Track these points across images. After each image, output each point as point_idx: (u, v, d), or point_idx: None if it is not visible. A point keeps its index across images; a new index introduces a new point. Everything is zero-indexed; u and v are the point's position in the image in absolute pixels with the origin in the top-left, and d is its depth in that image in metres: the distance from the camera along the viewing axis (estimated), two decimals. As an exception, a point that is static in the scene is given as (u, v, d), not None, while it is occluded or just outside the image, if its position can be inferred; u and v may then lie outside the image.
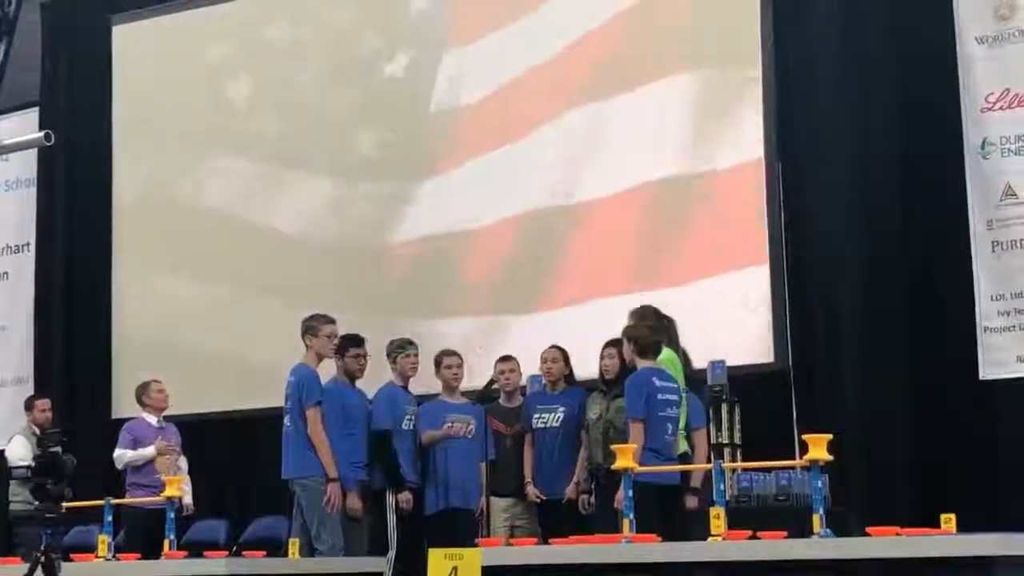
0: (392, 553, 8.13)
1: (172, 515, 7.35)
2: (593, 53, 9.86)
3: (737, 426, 8.30)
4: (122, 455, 9.32)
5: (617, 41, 9.78)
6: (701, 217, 9.30)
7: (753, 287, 9.03)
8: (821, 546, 5.52)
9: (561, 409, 8.38)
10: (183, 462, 9.56)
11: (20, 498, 9.64)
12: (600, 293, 9.39)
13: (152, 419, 9.53)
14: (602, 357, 8.11)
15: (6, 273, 12.44)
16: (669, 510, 7.01)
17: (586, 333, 8.74)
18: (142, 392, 9.64)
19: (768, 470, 6.60)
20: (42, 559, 6.06)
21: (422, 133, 10.58)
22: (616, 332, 7.83)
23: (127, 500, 8.65)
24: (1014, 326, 8.31)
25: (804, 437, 5.79)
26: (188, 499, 9.10)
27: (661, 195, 9.47)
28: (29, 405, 10.54)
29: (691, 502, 7.41)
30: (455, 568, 6.01)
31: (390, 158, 10.65)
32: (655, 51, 9.63)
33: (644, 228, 9.50)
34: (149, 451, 9.29)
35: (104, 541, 7.34)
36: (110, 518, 7.44)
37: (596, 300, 9.38)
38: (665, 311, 7.93)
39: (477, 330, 9.86)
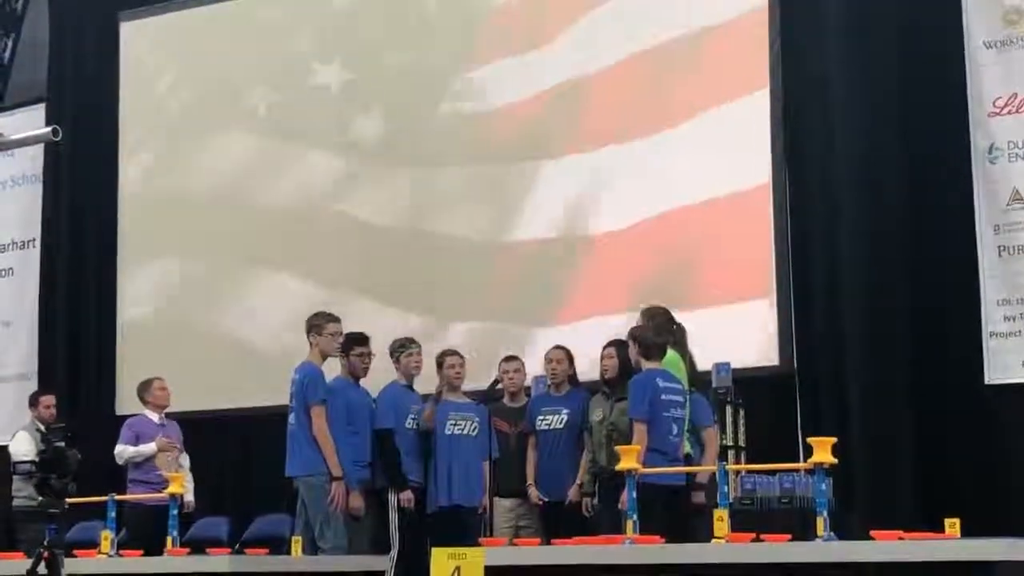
0: (394, 552, 8.13)
1: (175, 512, 7.35)
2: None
3: (741, 428, 8.29)
4: (123, 451, 9.34)
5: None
6: (709, 219, 9.30)
7: (759, 290, 9.02)
8: (825, 549, 5.50)
9: (565, 411, 8.36)
10: (184, 459, 9.58)
11: (23, 494, 9.66)
12: (609, 302, 9.40)
13: (154, 416, 9.56)
14: (602, 358, 8.09)
15: (11, 269, 12.44)
16: (674, 511, 6.99)
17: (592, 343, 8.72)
18: (144, 389, 9.67)
19: (772, 473, 6.59)
20: (45, 554, 6.06)
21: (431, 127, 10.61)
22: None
23: (129, 496, 8.65)
24: (1020, 331, 8.31)
25: (809, 440, 5.78)
26: (189, 497, 9.10)
27: (672, 205, 9.47)
28: (34, 401, 10.55)
29: (698, 497, 7.41)
30: (458, 568, 6.00)
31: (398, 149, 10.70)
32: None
33: (656, 235, 9.51)
34: (150, 447, 9.31)
35: (107, 537, 7.33)
36: (113, 514, 7.44)
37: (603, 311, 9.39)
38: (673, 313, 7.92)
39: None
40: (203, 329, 11.20)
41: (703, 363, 8.06)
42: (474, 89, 10.40)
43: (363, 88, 10.90)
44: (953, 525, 5.83)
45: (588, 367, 8.47)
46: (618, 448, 6.44)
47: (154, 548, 7.61)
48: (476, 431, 8.36)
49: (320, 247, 10.81)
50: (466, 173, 10.34)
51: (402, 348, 8.57)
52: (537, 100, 10.10)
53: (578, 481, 8.15)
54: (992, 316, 8.37)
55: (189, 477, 9.27)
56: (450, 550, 6.16)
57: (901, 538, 5.62)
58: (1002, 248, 8.41)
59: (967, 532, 5.74)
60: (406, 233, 10.47)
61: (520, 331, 9.77)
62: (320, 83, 11.08)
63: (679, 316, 8.01)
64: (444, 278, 10.24)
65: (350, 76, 10.97)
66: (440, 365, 8.54)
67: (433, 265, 10.29)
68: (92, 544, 7.71)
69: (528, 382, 8.79)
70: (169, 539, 7.28)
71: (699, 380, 7.92)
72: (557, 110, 10.02)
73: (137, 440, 9.37)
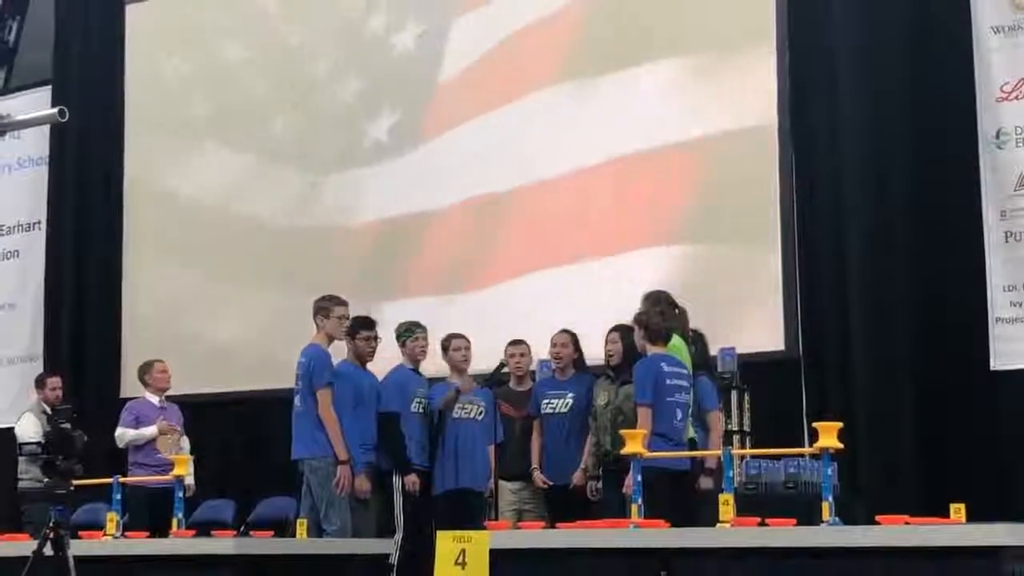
0: (399, 535, 8.14)
1: (180, 494, 7.37)
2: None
3: (747, 413, 8.29)
4: (123, 434, 9.36)
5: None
6: (713, 206, 9.28)
7: (764, 275, 9.01)
8: (830, 534, 5.50)
9: (570, 395, 8.36)
10: (184, 442, 9.59)
11: (29, 475, 9.68)
12: (614, 279, 9.37)
13: (154, 399, 9.57)
14: (606, 343, 8.09)
15: (17, 251, 12.47)
16: (679, 496, 7.00)
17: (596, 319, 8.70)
18: (144, 372, 9.68)
19: (777, 457, 6.59)
20: (51, 535, 6.07)
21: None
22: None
23: (133, 479, 8.65)
24: (1026, 317, 8.31)
25: (815, 424, 5.76)
26: (189, 479, 9.12)
27: (674, 183, 9.46)
28: (40, 383, 10.56)
29: (706, 483, 7.41)
30: (463, 551, 6.01)
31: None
32: (667, 26, 9.66)
33: (657, 217, 9.50)
34: (150, 430, 9.33)
35: (113, 519, 7.34)
36: (119, 496, 7.45)
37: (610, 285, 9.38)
38: (678, 299, 7.90)
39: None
40: (207, 313, 11.21)
41: (712, 348, 8.07)
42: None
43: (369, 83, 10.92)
44: (958, 510, 5.81)
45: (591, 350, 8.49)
46: (623, 432, 6.44)
47: (154, 530, 7.63)
48: (482, 415, 8.37)
49: (324, 231, 10.81)
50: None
51: (408, 332, 8.57)
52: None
53: (583, 465, 8.15)
54: (998, 302, 8.36)
55: (189, 460, 9.28)
56: (455, 533, 6.16)
57: (907, 523, 5.62)
58: (1008, 234, 8.39)
59: (973, 517, 5.73)
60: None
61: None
62: (325, 69, 11.10)
63: (685, 301, 8.00)
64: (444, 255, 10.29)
65: (355, 63, 11.00)
66: (445, 349, 8.54)
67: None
68: (97, 526, 7.72)
69: (533, 366, 8.80)
70: (175, 521, 7.29)
71: (710, 363, 7.95)
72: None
73: (137, 423, 9.38)
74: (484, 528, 6.54)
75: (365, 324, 8.48)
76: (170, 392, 9.72)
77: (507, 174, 10.05)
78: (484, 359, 8.56)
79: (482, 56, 10.29)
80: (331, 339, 8.37)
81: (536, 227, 9.91)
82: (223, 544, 7.11)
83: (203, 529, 7.77)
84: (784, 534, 5.64)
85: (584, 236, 9.70)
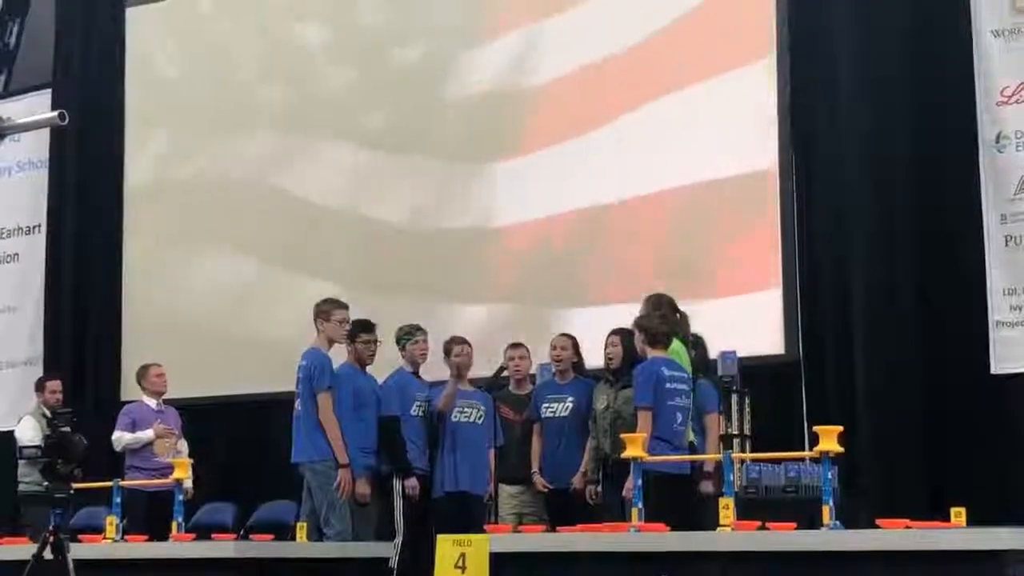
0: (399, 539, 8.13)
1: (180, 498, 7.37)
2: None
3: (747, 417, 8.29)
4: (120, 437, 9.34)
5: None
6: (716, 212, 9.28)
7: (765, 279, 9.01)
8: (831, 538, 5.51)
9: (570, 399, 8.35)
10: (182, 445, 9.57)
11: (29, 479, 9.66)
12: (617, 292, 9.35)
13: (151, 402, 9.55)
14: (606, 346, 8.08)
15: (17, 254, 12.45)
16: (679, 499, 6.99)
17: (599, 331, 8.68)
18: (141, 376, 9.67)
19: (777, 461, 6.60)
20: (51, 538, 6.07)
21: (438, 116, 10.60)
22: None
23: (133, 482, 8.64)
24: (1026, 320, 8.30)
25: (815, 428, 5.77)
26: (188, 483, 9.11)
27: (677, 192, 9.46)
28: (40, 386, 10.55)
29: (706, 487, 7.40)
30: (463, 554, 6.02)
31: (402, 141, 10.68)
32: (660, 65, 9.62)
33: (659, 221, 9.50)
34: (147, 434, 9.31)
35: (112, 522, 7.34)
36: (118, 500, 7.45)
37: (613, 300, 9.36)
38: (680, 304, 7.90)
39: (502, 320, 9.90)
40: (208, 316, 11.20)
41: (713, 352, 8.07)
42: (472, 77, 10.43)
43: (371, 76, 10.90)
44: (959, 514, 5.83)
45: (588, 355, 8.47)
46: (623, 436, 6.44)
47: (152, 534, 7.62)
48: (482, 418, 8.36)
49: (326, 237, 10.81)
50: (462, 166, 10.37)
51: (408, 336, 8.55)
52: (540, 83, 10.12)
53: (582, 468, 8.14)
54: (998, 306, 8.35)
55: (189, 463, 9.27)
56: (455, 537, 6.18)
57: (907, 527, 5.62)
58: (1008, 238, 8.39)
59: (974, 521, 5.73)
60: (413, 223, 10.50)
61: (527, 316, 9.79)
62: (329, 71, 11.08)
63: (687, 306, 8.00)
64: (449, 265, 10.26)
65: (358, 64, 10.98)
66: (448, 353, 8.53)
67: (438, 253, 10.33)
68: (95, 529, 7.72)
69: (533, 369, 8.79)
70: (174, 524, 7.29)
71: (711, 367, 7.94)
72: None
73: (134, 427, 9.36)
74: (484, 532, 6.54)
75: (365, 327, 8.47)
76: (172, 395, 9.70)
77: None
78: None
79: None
80: (331, 342, 8.36)
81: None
82: (223, 548, 7.12)
83: (203, 532, 7.77)
84: (785, 538, 5.65)
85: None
